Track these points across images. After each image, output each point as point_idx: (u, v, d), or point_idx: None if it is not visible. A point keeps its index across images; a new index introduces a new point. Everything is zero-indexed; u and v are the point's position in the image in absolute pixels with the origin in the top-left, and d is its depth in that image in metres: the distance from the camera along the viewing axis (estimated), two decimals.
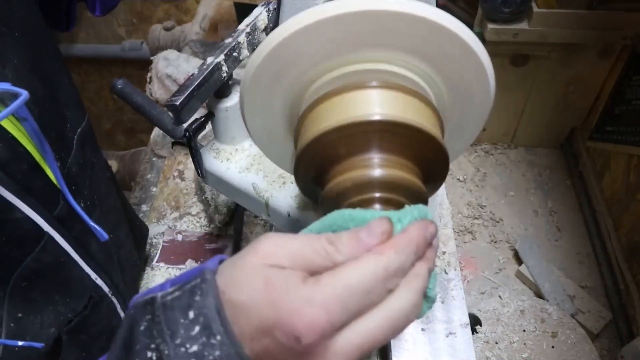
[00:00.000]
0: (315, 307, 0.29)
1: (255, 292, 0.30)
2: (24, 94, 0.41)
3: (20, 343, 0.48)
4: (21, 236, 0.48)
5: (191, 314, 0.30)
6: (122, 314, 0.65)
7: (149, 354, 0.30)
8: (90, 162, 0.61)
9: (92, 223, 0.56)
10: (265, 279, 0.30)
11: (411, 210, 0.36)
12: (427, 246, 0.34)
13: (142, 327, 0.31)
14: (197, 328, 0.29)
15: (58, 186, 0.52)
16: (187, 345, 0.29)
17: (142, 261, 0.88)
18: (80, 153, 0.58)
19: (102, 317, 0.61)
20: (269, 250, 0.31)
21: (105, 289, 0.61)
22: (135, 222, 0.83)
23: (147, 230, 0.89)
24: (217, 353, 0.29)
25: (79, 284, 0.57)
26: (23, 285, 0.49)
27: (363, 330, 0.30)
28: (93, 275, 0.59)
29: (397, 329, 0.31)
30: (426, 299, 0.36)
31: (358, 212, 0.36)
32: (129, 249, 0.72)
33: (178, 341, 0.29)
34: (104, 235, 0.58)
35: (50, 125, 0.52)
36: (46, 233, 0.50)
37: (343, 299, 0.29)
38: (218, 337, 0.29)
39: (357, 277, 0.30)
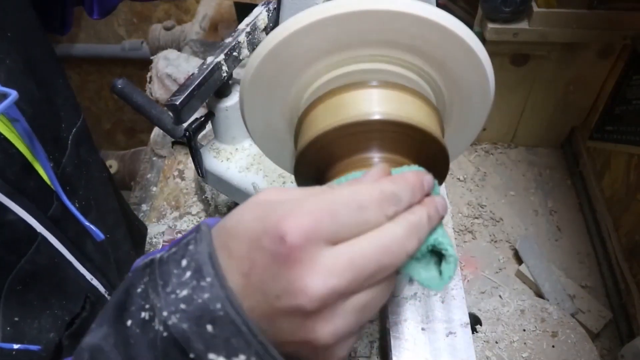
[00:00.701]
0: (303, 212, 0.28)
1: (246, 213, 0.30)
2: (13, 94, 0.41)
3: (15, 346, 0.47)
4: (15, 238, 0.48)
5: (184, 262, 0.29)
6: None
7: (143, 314, 0.29)
8: (86, 162, 0.61)
9: (87, 223, 0.56)
10: (256, 203, 0.30)
11: (405, 168, 0.37)
12: (424, 191, 0.34)
13: (139, 290, 0.30)
14: (188, 273, 0.29)
15: (52, 187, 0.52)
16: (177, 291, 0.29)
17: None
18: (75, 153, 0.58)
19: None
20: (269, 193, 0.32)
21: (102, 289, 0.60)
22: (134, 222, 0.83)
23: (146, 229, 0.89)
24: (205, 295, 0.28)
25: (74, 285, 0.57)
26: (18, 289, 0.49)
27: (354, 248, 0.29)
28: (88, 276, 0.58)
29: (391, 255, 0.29)
30: (445, 259, 0.34)
31: (352, 174, 0.37)
32: (127, 249, 0.72)
33: (169, 289, 0.29)
34: (99, 235, 0.58)
35: (45, 126, 0.52)
36: (39, 234, 0.50)
37: (333, 209, 0.29)
38: (208, 279, 0.28)
39: (350, 193, 0.30)
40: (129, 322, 0.30)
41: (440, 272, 0.35)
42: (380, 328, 0.73)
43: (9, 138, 0.46)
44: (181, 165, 1.05)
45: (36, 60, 0.53)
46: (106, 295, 0.62)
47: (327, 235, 0.28)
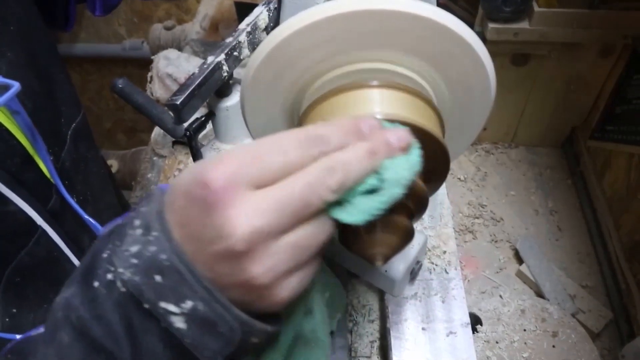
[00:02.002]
0: (227, 159, 0.29)
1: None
2: (16, 86, 0.41)
3: (18, 337, 0.48)
4: (15, 230, 0.48)
5: (137, 222, 0.31)
6: None
7: (109, 275, 0.31)
8: (85, 157, 0.61)
9: (86, 216, 0.56)
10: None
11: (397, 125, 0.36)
12: (361, 133, 0.33)
13: (104, 255, 0.32)
14: (139, 231, 0.31)
15: (51, 180, 0.52)
16: (130, 248, 0.30)
17: None
18: (73, 148, 0.58)
19: None
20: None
21: None
22: None
23: None
24: (153, 248, 0.30)
25: None
26: (17, 281, 0.49)
27: (277, 188, 0.30)
28: None
29: (314, 192, 0.30)
30: (383, 182, 0.32)
31: None
32: None
33: (123, 248, 0.31)
34: (99, 228, 0.58)
35: (45, 120, 0.52)
36: (39, 227, 0.50)
37: (256, 154, 0.30)
38: (155, 234, 0.30)
39: (274, 139, 0.31)
40: (95, 284, 0.31)
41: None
42: (380, 328, 0.73)
43: (10, 129, 0.46)
44: (182, 165, 1.05)
45: (38, 54, 0.54)
46: None
47: (252, 178, 0.29)
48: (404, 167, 0.33)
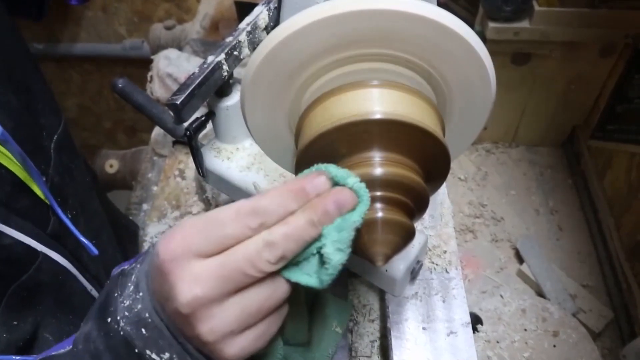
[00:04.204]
0: (177, 231, 0.34)
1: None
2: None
3: (15, 358, 0.46)
4: (15, 259, 0.46)
5: (133, 278, 0.37)
6: None
7: (120, 314, 0.36)
8: (69, 168, 0.59)
9: (82, 238, 0.55)
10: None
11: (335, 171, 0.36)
12: (307, 196, 0.34)
13: (115, 294, 0.37)
14: (132, 287, 0.36)
15: (46, 201, 0.50)
16: (125, 302, 0.36)
17: None
18: (58, 161, 0.55)
19: None
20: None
21: None
22: (122, 222, 0.81)
23: (137, 227, 0.88)
24: (139, 306, 0.35)
25: (80, 298, 0.56)
26: (23, 295, 0.48)
27: (217, 259, 0.33)
28: (88, 287, 0.57)
29: (250, 264, 0.32)
30: (324, 265, 0.33)
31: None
32: (112, 251, 0.70)
33: (121, 299, 0.36)
34: (93, 250, 0.56)
35: (27, 138, 0.50)
36: (40, 253, 0.49)
37: (200, 227, 0.33)
38: (141, 294, 0.35)
39: (217, 211, 0.34)
40: (109, 319, 0.36)
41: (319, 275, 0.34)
42: (381, 327, 0.73)
43: None
44: (182, 164, 1.05)
45: (14, 65, 0.51)
46: None
47: (196, 249, 0.33)
48: (343, 229, 0.34)
